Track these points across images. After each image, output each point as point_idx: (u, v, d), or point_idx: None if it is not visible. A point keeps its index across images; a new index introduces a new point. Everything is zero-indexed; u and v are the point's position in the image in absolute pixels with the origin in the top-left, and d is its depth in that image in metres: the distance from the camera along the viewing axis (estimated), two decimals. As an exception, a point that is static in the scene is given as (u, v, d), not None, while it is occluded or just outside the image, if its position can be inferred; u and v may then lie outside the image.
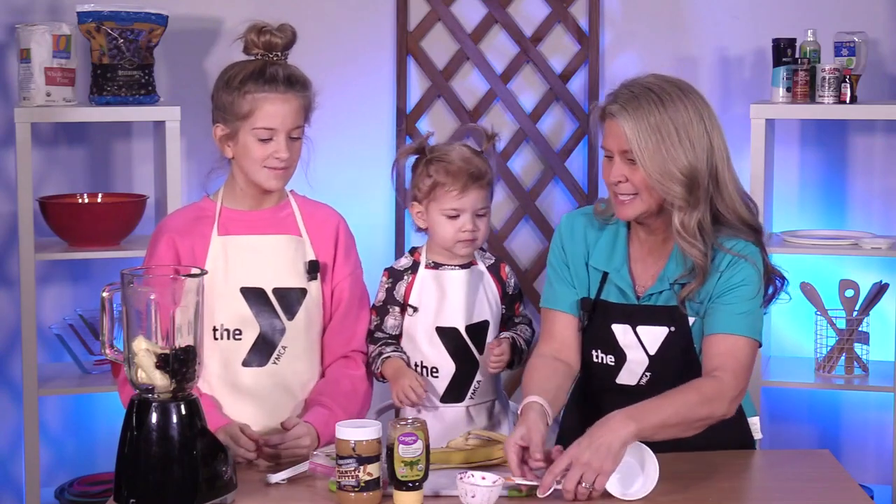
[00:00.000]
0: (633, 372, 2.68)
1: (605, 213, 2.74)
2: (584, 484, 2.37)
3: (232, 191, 2.86)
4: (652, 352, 2.66)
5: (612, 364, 2.69)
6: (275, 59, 2.79)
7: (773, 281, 2.70)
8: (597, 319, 2.70)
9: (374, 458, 2.34)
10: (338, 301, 2.88)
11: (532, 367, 2.73)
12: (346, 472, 2.34)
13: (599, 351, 2.70)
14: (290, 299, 2.81)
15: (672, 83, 2.61)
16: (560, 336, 2.76)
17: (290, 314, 2.81)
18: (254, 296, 2.79)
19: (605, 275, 2.71)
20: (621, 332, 2.68)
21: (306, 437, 2.65)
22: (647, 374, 2.67)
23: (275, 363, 2.80)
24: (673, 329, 2.64)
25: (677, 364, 2.64)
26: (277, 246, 2.83)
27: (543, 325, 2.81)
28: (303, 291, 2.82)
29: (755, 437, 2.77)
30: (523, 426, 2.49)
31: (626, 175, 2.58)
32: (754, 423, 2.76)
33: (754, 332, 2.62)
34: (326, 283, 2.87)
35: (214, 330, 2.78)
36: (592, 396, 2.77)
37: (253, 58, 2.80)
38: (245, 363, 2.79)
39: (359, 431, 2.34)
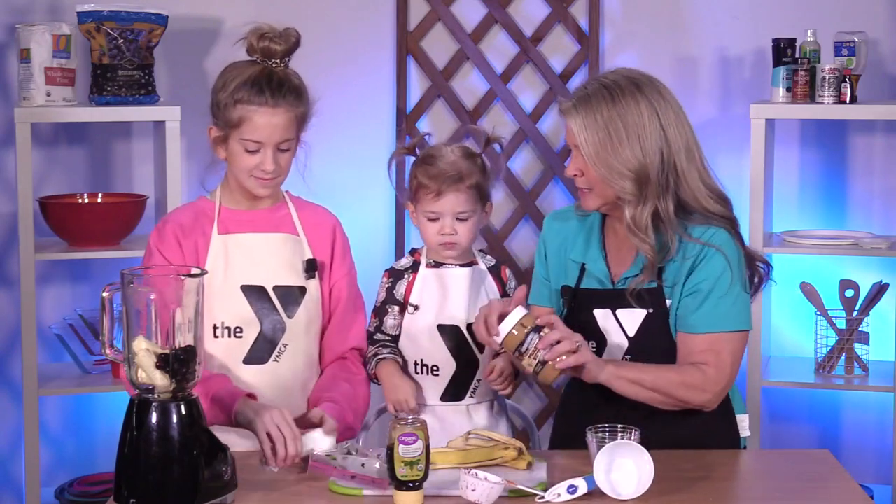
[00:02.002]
0: (613, 356, 2.72)
1: (581, 206, 2.80)
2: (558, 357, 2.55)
3: (229, 190, 2.87)
4: (631, 334, 2.70)
5: (594, 349, 2.72)
6: (273, 65, 2.78)
7: (757, 268, 2.73)
8: (578, 307, 2.74)
9: (541, 328, 2.57)
10: (336, 301, 2.89)
11: None
12: (534, 349, 2.55)
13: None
14: (291, 297, 2.82)
15: (630, 79, 2.66)
16: None
17: (291, 312, 2.81)
18: (255, 293, 2.79)
19: (583, 266, 2.76)
20: (602, 316, 2.72)
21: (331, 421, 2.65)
22: (627, 357, 2.71)
23: (276, 361, 2.80)
24: (651, 311, 2.68)
25: (656, 346, 2.67)
26: (276, 244, 2.83)
27: None
28: (302, 290, 2.83)
29: (742, 435, 2.79)
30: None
31: (581, 169, 2.66)
32: (742, 420, 2.79)
33: (736, 323, 2.67)
34: (325, 282, 2.87)
35: (215, 328, 2.78)
36: (580, 390, 2.80)
37: (253, 60, 2.79)
38: (246, 361, 2.79)
39: (512, 317, 2.56)
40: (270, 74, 2.76)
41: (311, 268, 2.84)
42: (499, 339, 2.60)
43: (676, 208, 2.65)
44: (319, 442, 2.57)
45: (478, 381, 2.94)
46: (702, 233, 2.67)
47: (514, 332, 2.57)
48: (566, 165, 2.72)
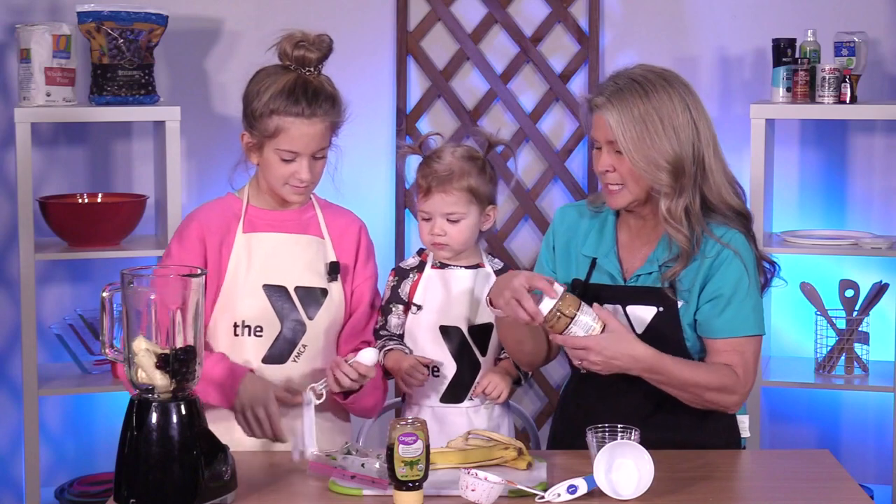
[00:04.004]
0: None
1: (595, 201, 2.82)
2: (578, 362, 2.59)
3: (258, 190, 2.87)
4: (640, 331, 2.69)
5: None
6: (307, 73, 2.78)
7: (762, 269, 2.74)
8: (587, 301, 2.72)
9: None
10: (357, 304, 2.90)
11: None
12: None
13: None
14: (312, 298, 2.83)
15: (657, 74, 2.68)
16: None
17: (311, 313, 2.82)
18: (276, 293, 2.80)
19: (594, 261, 2.76)
20: (611, 311, 2.70)
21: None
22: None
23: (294, 361, 2.81)
24: (661, 309, 2.68)
25: (664, 344, 2.66)
26: (300, 245, 2.84)
27: None
28: (324, 291, 2.84)
29: (743, 436, 2.80)
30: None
31: (614, 165, 2.66)
32: (743, 421, 2.80)
33: (756, 327, 2.69)
34: (347, 285, 2.88)
35: (235, 326, 2.79)
36: (578, 388, 2.79)
37: (284, 66, 2.79)
38: (265, 360, 2.80)
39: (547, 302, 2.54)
40: (306, 83, 2.76)
41: (334, 270, 2.85)
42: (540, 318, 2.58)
43: (700, 204, 2.67)
44: (364, 356, 2.68)
45: (478, 384, 2.93)
46: (721, 234, 2.68)
47: (557, 315, 2.54)
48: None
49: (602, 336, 2.55)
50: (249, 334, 2.79)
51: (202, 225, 2.82)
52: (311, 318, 2.82)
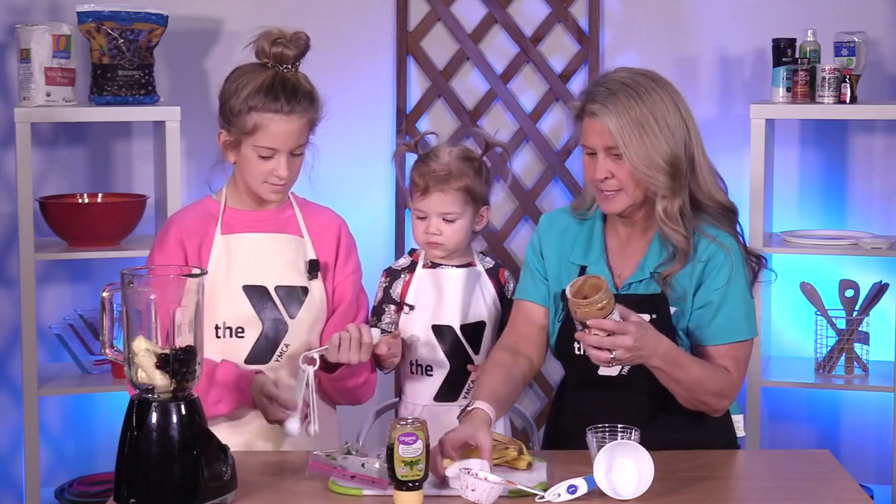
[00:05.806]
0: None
1: (579, 207, 2.77)
2: (609, 356, 2.46)
3: (235, 190, 2.87)
4: None
5: None
6: (285, 70, 2.78)
7: (751, 266, 2.73)
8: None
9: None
10: (339, 301, 2.89)
11: (489, 363, 2.73)
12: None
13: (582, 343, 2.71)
14: (293, 297, 2.82)
15: (643, 75, 2.67)
16: (520, 328, 2.79)
17: (293, 312, 2.82)
18: (256, 293, 2.80)
19: (583, 269, 2.72)
20: None
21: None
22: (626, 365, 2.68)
23: (278, 360, 2.80)
24: (654, 317, 2.66)
25: None
26: (279, 244, 2.84)
27: (511, 315, 2.84)
28: (304, 290, 2.83)
29: (739, 435, 2.80)
30: (470, 429, 2.47)
31: (612, 171, 2.63)
32: (738, 420, 2.80)
33: (750, 331, 2.68)
34: (328, 283, 2.88)
35: (216, 328, 2.78)
36: (574, 392, 2.78)
37: (262, 63, 2.79)
38: (248, 361, 2.79)
39: None
40: (284, 81, 2.76)
41: (314, 268, 2.84)
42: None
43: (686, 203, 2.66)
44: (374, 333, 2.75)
45: (472, 381, 2.93)
46: (714, 235, 2.67)
47: (606, 301, 2.45)
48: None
49: (638, 323, 2.49)
50: (231, 336, 2.79)
51: (181, 229, 2.82)
52: (292, 317, 2.81)
